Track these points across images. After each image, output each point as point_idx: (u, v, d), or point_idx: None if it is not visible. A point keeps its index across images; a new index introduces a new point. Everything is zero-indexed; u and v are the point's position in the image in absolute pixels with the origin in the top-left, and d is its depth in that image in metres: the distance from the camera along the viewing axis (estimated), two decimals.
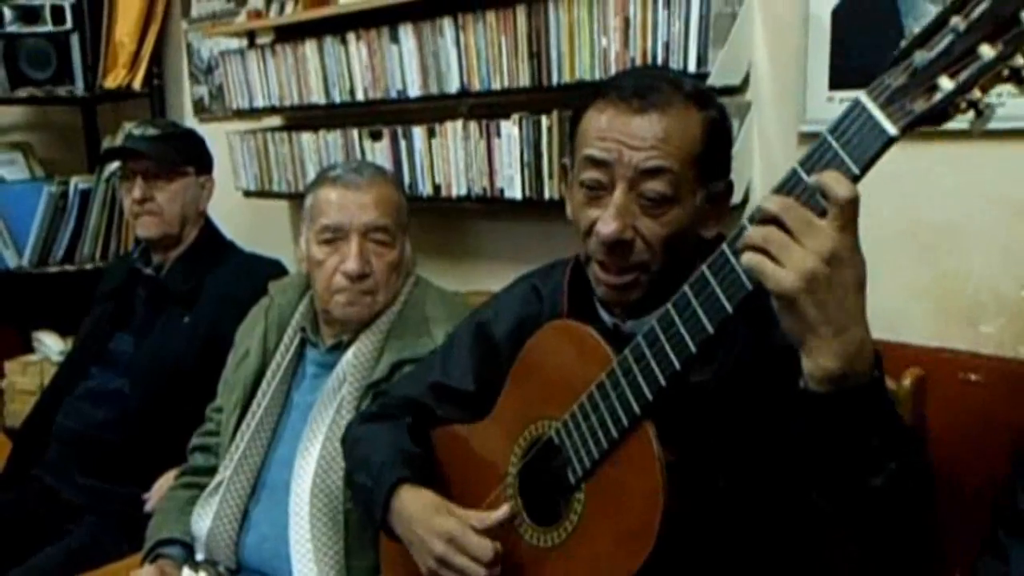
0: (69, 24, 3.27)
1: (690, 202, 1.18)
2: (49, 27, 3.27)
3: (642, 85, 1.18)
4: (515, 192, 2.09)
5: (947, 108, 0.88)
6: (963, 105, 0.88)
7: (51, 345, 3.22)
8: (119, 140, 3.04)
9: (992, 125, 1.64)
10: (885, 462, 0.96)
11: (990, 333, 1.62)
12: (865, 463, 0.96)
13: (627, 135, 1.16)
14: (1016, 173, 1.58)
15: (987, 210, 1.61)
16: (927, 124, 0.89)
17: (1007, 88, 0.88)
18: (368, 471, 1.42)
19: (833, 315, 0.89)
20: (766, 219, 0.91)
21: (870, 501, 0.97)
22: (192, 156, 2.35)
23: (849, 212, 0.88)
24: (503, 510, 1.25)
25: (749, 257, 0.92)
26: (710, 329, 1.00)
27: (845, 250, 0.89)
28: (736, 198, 1.70)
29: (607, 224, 1.16)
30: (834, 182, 0.88)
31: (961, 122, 0.90)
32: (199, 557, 1.76)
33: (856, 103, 0.90)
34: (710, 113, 1.20)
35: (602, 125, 1.18)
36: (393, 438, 1.44)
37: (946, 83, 0.86)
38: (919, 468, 1.01)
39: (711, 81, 1.72)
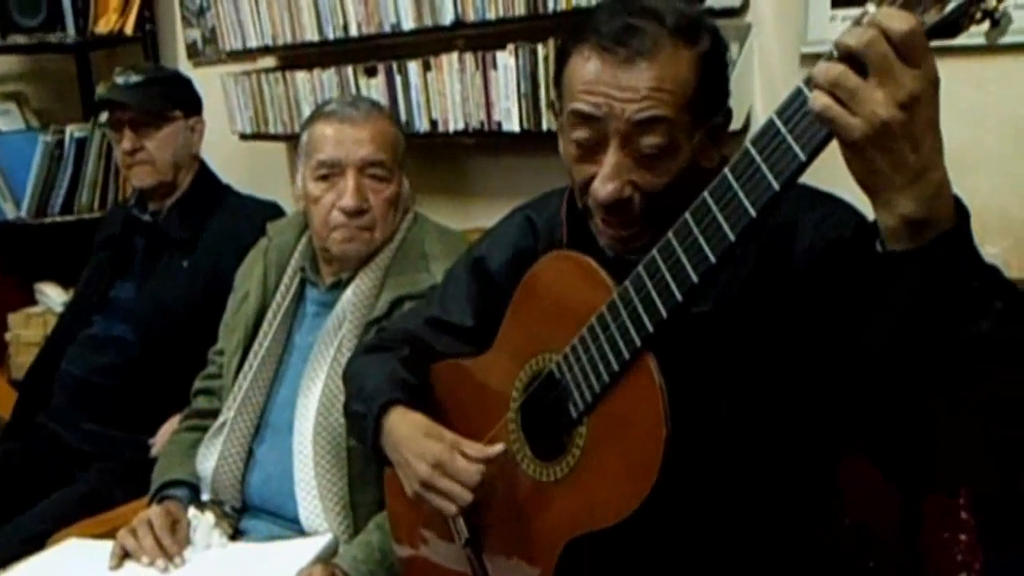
0: None
1: (687, 147, 1.13)
2: None
3: (623, 28, 1.11)
4: (513, 125, 2.07)
5: (960, 18, 0.83)
6: (977, 15, 0.83)
7: (53, 296, 3.24)
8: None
9: (1001, 40, 1.59)
10: (990, 303, 0.89)
11: (995, 254, 1.60)
12: (969, 309, 0.89)
13: (616, 87, 1.10)
14: None
15: (994, 130, 1.59)
16: (940, 36, 0.85)
17: None
18: (361, 398, 1.42)
19: (908, 161, 0.84)
20: (843, 56, 0.84)
21: (980, 348, 0.90)
22: (179, 99, 2.33)
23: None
24: (498, 447, 1.24)
25: (817, 96, 0.84)
26: (712, 259, 0.97)
27: (926, 89, 0.82)
28: (737, 124, 1.67)
29: (604, 186, 1.12)
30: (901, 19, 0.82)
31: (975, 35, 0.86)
32: (204, 497, 1.77)
33: (865, 14, 0.86)
34: (700, 47, 1.13)
35: (588, 76, 1.12)
36: (386, 367, 1.44)
37: None
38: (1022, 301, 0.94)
39: (709, 2, 1.68)
